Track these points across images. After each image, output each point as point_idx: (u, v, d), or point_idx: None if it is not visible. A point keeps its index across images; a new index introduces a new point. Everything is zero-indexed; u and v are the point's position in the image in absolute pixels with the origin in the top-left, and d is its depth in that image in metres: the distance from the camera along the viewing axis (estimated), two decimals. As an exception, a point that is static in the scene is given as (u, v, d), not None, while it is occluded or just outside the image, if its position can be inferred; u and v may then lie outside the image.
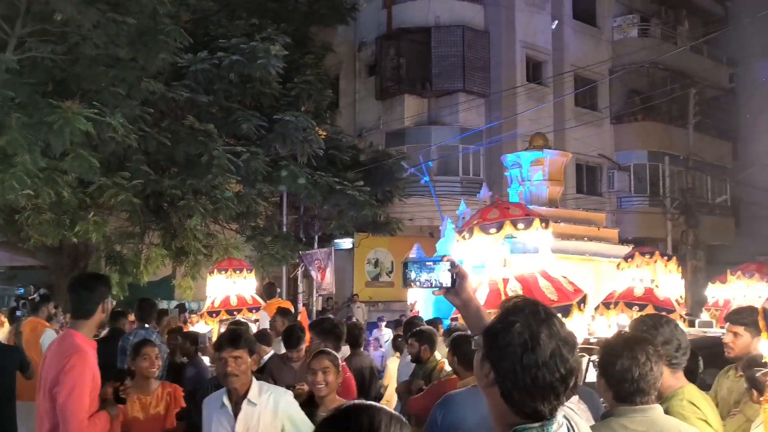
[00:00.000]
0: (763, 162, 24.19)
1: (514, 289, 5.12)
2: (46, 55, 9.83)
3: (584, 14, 24.98)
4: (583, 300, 5.21)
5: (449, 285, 2.27)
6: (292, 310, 10.84)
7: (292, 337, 5.73)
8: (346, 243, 21.20)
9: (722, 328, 5.78)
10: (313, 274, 16.74)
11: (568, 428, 1.75)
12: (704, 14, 29.61)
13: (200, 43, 12.61)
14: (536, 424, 1.68)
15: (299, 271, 16.97)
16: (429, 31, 22.17)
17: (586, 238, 11.76)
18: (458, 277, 2.27)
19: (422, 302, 11.60)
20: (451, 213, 13.91)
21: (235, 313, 9.72)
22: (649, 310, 6.48)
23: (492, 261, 5.46)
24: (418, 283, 2.32)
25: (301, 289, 17.38)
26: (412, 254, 13.87)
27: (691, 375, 3.75)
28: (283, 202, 16.69)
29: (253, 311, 9.86)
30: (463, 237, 5.53)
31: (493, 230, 5.41)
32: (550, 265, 5.69)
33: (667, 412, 2.71)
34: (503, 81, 22.38)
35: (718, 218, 27.00)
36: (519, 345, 1.69)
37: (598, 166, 24.98)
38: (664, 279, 7.18)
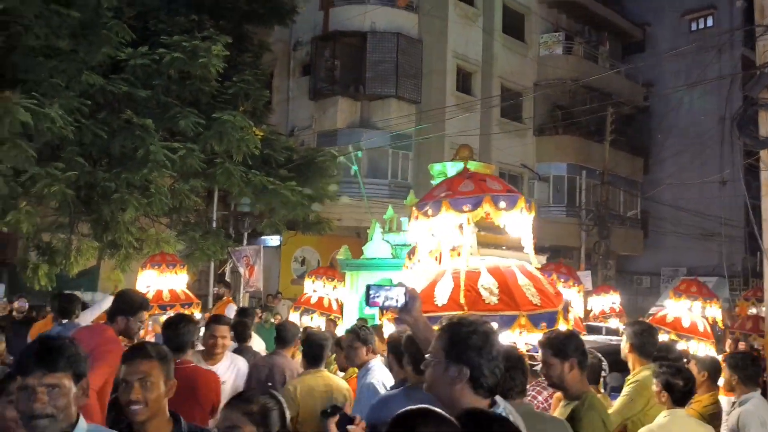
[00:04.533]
0: (671, 180, 25.74)
1: (488, 285, 4.22)
2: (-16, 43, 9.78)
3: (513, 29, 25.97)
4: (566, 308, 4.46)
5: (402, 305, 2.78)
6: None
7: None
8: (273, 240, 21.39)
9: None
10: (241, 270, 16.91)
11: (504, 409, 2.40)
12: (624, 36, 31.24)
13: (140, 38, 12.64)
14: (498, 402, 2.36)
15: (227, 268, 17.10)
16: (365, 35, 22.63)
17: (504, 247, 12.40)
18: (409, 298, 2.80)
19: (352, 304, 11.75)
20: (379, 217, 14.35)
21: (167, 308, 9.91)
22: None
23: (464, 247, 4.47)
24: (378, 301, 2.83)
25: (228, 284, 17.50)
26: (340, 255, 14.28)
27: (595, 377, 4.38)
28: (214, 198, 16.80)
29: (186, 307, 10.08)
30: (425, 213, 4.38)
31: (467, 207, 4.28)
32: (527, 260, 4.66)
33: (586, 407, 3.29)
34: (434, 89, 23.07)
35: (628, 230, 28.56)
36: (483, 343, 2.37)
37: (519, 176, 26.03)
38: None
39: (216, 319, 5.33)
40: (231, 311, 10.90)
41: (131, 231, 12.30)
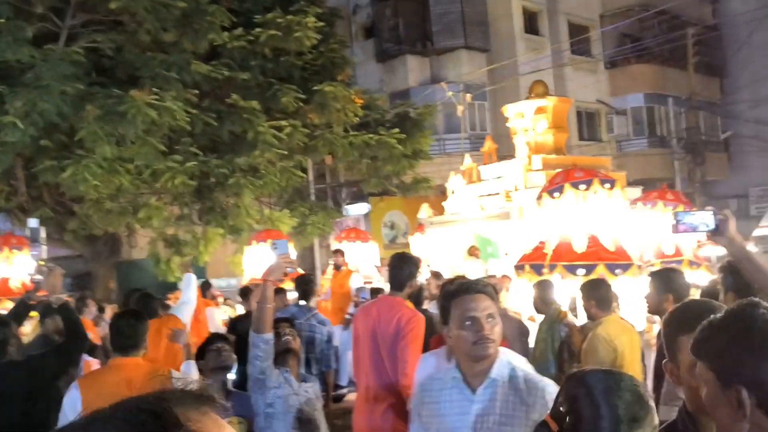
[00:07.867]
0: (749, 95, 24.73)
1: None
2: (102, 45, 9.82)
3: (573, -38, 25.06)
4: None
5: (713, 227, 2.65)
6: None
7: None
8: (361, 208, 21.42)
9: None
10: (345, 240, 16.99)
11: None
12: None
13: (233, 21, 12.56)
14: None
15: (330, 240, 17.18)
16: (426, -11, 22.18)
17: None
18: (720, 221, 2.68)
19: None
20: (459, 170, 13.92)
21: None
22: (600, 271, 5.27)
23: None
24: (684, 227, 2.74)
25: (333, 256, 17.62)
26: (421, 214, 14.15)
27: None
28: (309, 171, 16.81)
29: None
30: None
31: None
32: None
33: None
34: (502, 35, 22.54)
35: (712, 154, 27.69)
36: None
37: (596, 112, 25.39)
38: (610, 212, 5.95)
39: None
40: (356, 282, 10.91)
41: (251, 214, 12.40)
